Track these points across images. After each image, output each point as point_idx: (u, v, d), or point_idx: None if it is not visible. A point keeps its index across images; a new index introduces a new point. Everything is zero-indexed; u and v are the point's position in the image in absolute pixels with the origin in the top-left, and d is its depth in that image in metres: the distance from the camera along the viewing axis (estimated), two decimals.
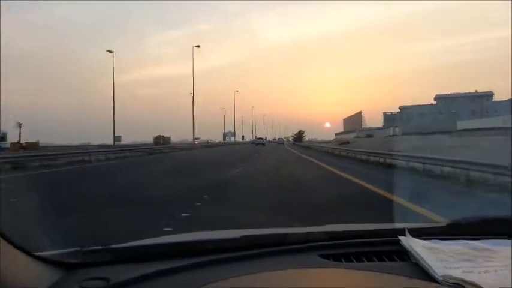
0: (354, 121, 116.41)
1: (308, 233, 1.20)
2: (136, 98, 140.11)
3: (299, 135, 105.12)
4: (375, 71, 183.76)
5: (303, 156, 27.05)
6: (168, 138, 69.36)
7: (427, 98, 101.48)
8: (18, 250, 0.86)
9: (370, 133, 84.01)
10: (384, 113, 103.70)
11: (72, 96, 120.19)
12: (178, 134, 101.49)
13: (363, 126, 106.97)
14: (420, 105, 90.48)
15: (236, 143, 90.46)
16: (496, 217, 1.27)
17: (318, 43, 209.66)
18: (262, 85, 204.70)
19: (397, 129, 74.36)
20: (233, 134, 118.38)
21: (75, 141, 62.80)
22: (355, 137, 77.44)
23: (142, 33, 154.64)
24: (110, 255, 1.03)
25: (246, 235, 1.16)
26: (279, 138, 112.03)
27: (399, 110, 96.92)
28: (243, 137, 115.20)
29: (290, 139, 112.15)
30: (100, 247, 1.04)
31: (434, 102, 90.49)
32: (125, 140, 52.07)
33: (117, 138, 49.70)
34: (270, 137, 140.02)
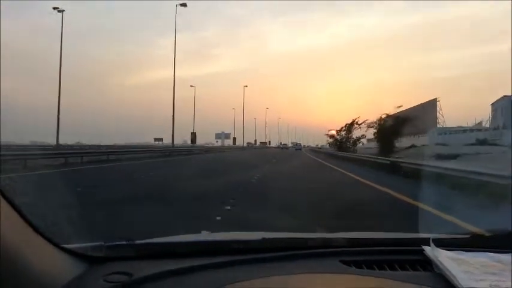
0: (419, 117, 64.60)
1: (330, 239, 1.20)
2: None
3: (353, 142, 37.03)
4: (382, 78, 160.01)
5: None
6: None
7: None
8: (46, 241, 0.87)
9: (481, 136, 40.52)
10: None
11: (73, 97, 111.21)
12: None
13: (440, 125, 62.09)
14: None
15: (206, 149, 50.95)
16: None
17: (321, 52, 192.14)
18: (265, 91, 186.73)
19: None
20: (226, 136, 78.42)
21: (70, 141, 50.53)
22: (438, 144, 35.60)
23: (146, 37, 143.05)
24: (133, 250, 1.04)
25: (267, 237, 1.15)
26: (296, 144, 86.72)
27: None
28: (234, 139, 74.87)
29: (321, 145, 54.79)
30: (124, 242, 1.05)
31: None
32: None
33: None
34: (273, 142, 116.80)
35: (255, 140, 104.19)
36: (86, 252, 0.98)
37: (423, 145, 35.88)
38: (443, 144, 35.08)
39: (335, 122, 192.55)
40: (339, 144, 38.44)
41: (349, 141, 37.30)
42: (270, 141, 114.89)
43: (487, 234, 1.25)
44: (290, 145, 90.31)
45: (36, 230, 0.84)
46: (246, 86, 75.08)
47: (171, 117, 38.84)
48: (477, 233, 1.25)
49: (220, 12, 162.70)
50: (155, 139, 64.87)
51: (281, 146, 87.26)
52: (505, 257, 1.04)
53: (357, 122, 36.44)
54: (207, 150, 47.87)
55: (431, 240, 1.10)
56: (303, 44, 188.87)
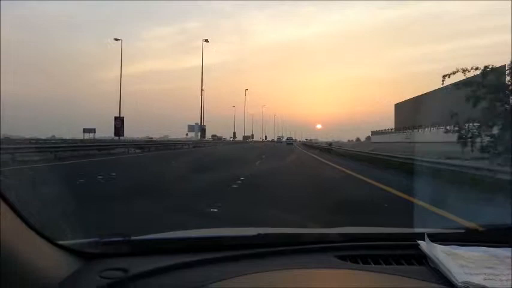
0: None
1: (325, 234, 1.21)
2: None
3: None
4: (367, 73, 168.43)
5: None
6: None
7: None
8: (41, 237, 0.88)
9: None
10: None
11: (57, 90, 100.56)
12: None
13: None
14: None
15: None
16: None
17: (304, 45, 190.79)
18: (248, 84, 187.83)
19: None
20: (198, 128, 63.81)
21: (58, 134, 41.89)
22: None
23: (131, 30, 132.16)
24: (129, 246, 1.04)
25: (262, 233, 1.14)
26: (288, 138, 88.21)
27: None
28: (203, 131, 59.27)
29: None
30: (119, 239, 1.05)
31: None
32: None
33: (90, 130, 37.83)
34: (257, 136, 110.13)
35: (234, 133, 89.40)
36: (82, 248, 0.99)
37: None
38: None
39: (324, 117, 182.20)
40: None
41: None
42: (253, 135, 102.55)
43: (481, 229, 1.27)
44: (284, 140, 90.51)
45: (31, 227, 0.84)
46: (207, 41, 48.21)
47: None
48: (472, 227, 1.26)
49: (205, 4, 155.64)
50: (84, 130, 48.81)
51: (275, 140, 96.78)
52: (500, 251, 1.05)
53: None
54: (140, 146, 26.70)
55: (426, 235, 1.10)
56: (290, 36, 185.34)
